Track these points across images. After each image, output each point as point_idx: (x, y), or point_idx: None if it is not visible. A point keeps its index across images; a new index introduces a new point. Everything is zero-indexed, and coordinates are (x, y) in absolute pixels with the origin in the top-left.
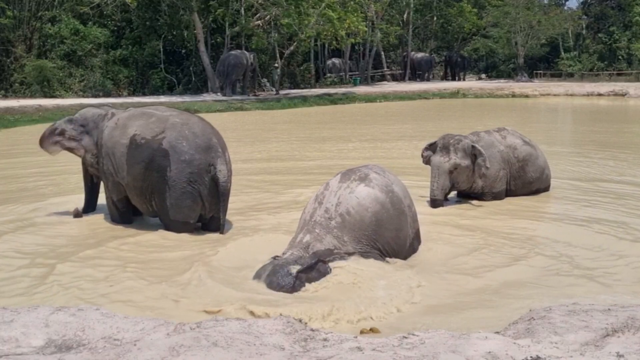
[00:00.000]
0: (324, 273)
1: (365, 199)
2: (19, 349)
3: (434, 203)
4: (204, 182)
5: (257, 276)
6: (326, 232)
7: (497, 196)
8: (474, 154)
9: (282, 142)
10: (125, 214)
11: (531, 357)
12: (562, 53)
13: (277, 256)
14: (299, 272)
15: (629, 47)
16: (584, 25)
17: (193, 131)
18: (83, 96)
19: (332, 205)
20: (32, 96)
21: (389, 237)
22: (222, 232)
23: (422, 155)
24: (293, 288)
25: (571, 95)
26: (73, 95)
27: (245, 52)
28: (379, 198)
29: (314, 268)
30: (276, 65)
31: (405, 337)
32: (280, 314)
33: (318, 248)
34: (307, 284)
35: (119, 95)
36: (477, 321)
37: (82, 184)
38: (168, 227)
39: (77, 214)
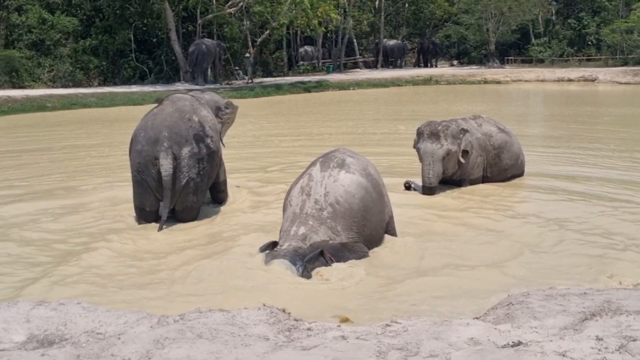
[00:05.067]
0: (326, 264)
1: (350, 185)
2: (1, 345)
3: (430, 190)
4: (150, 174)
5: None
6: (320, 224)
7: (474, 183)
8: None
9: (258, 130)
10: None
11: (513, 342)
12: (533, 39)
13: (276, 248)
14: (306, 261)
15: (597, 32)
16: (553, 11)
17: (153, 122)
18: (52, 86)
19: (320, 196)
20: (0, 87)
21: (375, 221)
22: (159, 229)
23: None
24: (302, 277)
25: (542, 80)
26: (42, 86)
27: (210, 40)
28: (362, 183)
29: (318, 259)
30: (247, 55)
31: (388, 325)
32: (264, 304)
33: (315, 240)
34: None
35: (90, 85)
36: (456, 307)
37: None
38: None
39: None
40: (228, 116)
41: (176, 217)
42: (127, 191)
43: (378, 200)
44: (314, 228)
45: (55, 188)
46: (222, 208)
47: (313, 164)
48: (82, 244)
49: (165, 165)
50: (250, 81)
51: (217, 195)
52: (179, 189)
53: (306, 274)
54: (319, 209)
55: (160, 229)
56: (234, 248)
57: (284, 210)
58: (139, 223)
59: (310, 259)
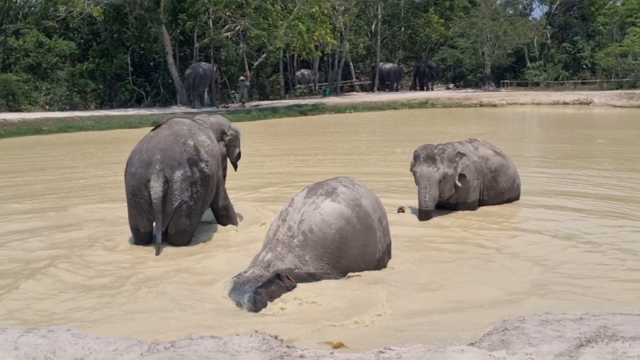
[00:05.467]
0: (285, 287)
1: (329, 215)
2: None
3: (427, 214)
4: (143, 196)
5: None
6: (288, 251)
7: (470, 206)
8: (456, 161)
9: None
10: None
11: None
12: (528, 63)
13: (240, 275)
14: (258, 287)
15: (592, 56)
16: (548, 35)
17: (147, 145)
18: (49, 110)
19: (294, 223)
20: None
21: (355, 254)
22: (157, 253)
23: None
24: (254, 304)
25: (537, 104)
26: (39, 109)
27: (207, 63)
28: (344, 213)
29: (273, 282)
30: (242, 78)
31: (382, 352)
32: (256, 331)
33: (279, 267)
34: (269, 300)
35: (86, 109)
36: (449, 333)
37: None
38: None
39: None
40: (230, 138)
41: (169, 240)
42: (118, 212)
43: (362, 233)
44: (281, 255)
45: (47, 208)
46: (215, 230)
47: (303, 189)
48: (68, 264)
49: (156, 187)
50: (242, 105)
51: (220, 220)
52: (170, 212)
53: (259, 299)
54: (290, 235)
55: (158, 253)
56: (226, 272)
57: (266, 235)
58: (136, 244)
59: (264, 285)
